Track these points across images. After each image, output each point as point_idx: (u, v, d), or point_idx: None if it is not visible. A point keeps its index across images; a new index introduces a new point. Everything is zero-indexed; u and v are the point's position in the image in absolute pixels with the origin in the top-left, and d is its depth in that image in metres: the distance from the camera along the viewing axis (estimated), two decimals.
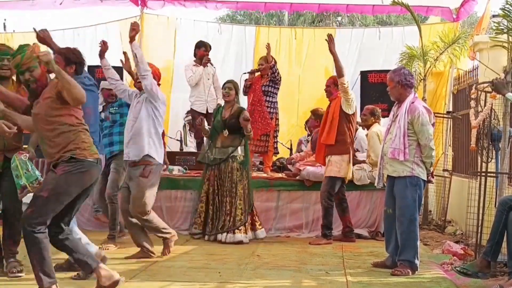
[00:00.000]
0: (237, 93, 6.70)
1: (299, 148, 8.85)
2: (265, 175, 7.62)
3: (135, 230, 5.64)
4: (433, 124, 5.39)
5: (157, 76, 5.81)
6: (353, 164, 6.84)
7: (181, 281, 4.73)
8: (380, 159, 5.34)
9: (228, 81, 6.83)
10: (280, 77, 7.93)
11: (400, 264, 5.09)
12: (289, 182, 7.29)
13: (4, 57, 4.68)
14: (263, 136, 7.77)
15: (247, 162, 6.64)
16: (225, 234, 6.44)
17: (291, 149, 9.21)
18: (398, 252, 5.15)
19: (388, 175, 5.25)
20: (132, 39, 5.39)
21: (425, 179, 5.21)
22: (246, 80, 7.93)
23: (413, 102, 5.16)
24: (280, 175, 7.62)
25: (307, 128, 8.59)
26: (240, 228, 6.45)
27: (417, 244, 5.12)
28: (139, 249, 5.65)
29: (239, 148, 6.62)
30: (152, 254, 5.61)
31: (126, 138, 5.62)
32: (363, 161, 7.13)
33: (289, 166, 7.86)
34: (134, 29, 5.37)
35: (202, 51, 8.35)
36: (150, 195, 5.53)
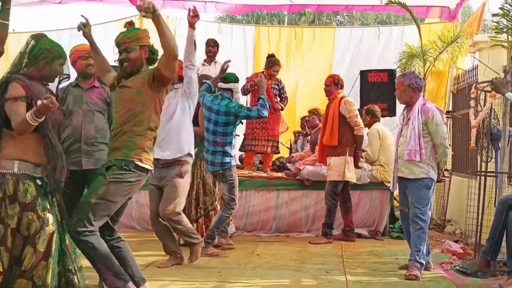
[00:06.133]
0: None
1: (297, 145, 8.88)
2: (264, 174, 7.62)
3: (165, 234, 5.31)
4: (445, 124, 5.40)
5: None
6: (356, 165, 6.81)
7: (181, 281, 4.73)
8: (394, 162, 5.33)
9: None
10: (286, 97, 7.96)
11: (412, 266, 5.02)
12: (288, 181, 7.27)
13: (90, 55, 4.52)
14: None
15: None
16: None
17: (291, 149, 9.20)
18: (411, 252, 5.12)
19: (399, 177, 5.22)
20: (193, 25, 4.99)
21: (436, 180, 5.21)
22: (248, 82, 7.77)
23: (424, 104, 5.15)
24: (279, 174, 7.62)
25: (307, 128, 8.58)
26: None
27: (425, 244, 5.10)
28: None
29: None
30: (182, 260, 5.33)
31: (158, 136, 5.08)
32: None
33: (289, 165, 7.87)
34: (197, 15, 4.98)
35: (208, 49, 8.21)
36: (183, 195, 5.28)
